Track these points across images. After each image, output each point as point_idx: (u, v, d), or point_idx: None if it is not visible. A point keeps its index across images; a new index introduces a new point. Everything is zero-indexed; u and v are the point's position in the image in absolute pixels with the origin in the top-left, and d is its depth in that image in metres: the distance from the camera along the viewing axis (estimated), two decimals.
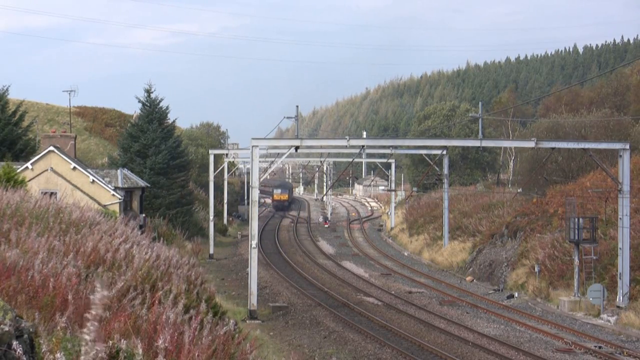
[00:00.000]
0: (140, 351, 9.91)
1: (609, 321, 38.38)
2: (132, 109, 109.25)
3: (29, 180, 40.49)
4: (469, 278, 54.63)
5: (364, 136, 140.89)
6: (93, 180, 46.01)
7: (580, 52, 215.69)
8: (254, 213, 41.27)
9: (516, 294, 46.80)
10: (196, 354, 11.33)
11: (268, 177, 65.19)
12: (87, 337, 8.20)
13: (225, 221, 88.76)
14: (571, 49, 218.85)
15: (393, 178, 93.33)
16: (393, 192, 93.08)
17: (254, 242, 40.75)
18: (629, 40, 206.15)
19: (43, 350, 9.23)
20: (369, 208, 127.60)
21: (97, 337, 8.75)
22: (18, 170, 38.94)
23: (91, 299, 8.02)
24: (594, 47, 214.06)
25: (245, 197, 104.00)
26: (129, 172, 54.44)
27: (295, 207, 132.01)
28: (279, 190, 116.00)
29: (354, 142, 45.03)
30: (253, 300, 39.89)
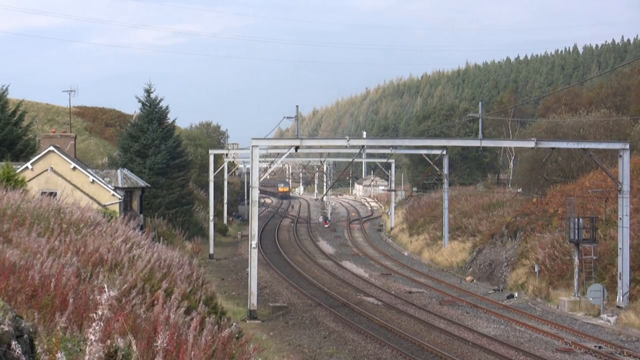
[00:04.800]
0: (135, 348, 9.91)
1: (609, 321, 38.38)
2: (132, 109, 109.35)
3: (29, 180, 40.50)
4: (469, 278, 54.62)
5: (364, 136, 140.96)
6: (93, 180, 46.00)
7: (580, 52, 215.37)
8: (254, 213, 41.27)
9: (516, 294, 46.80)
10: (192, 354, 11.31)
11: (268, 177, 65.22)
12: (92, 337, 8.18)
13: (225, 221, 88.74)
14: (571, 49, 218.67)
15: (393, 178, 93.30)
16: (393, 192, 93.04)
17: (254, 242, 40.76)
18: (629, 40, 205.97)
19: (43, 350, 9.22)
20: (369, 208, 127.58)
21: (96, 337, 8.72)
22: (18, 170, 38.98)
23: (97, 299, 7.98)
24: (594, 47, 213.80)
25: (245, 197, 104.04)
26: (128, 172, 54.44)
27: (295, 205, 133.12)
28: (282, 184, 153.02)
29: (354, 142, 45.03)
30: (253, 300, 39.89)
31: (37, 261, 13.93)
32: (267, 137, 48.36)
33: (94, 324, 8.41)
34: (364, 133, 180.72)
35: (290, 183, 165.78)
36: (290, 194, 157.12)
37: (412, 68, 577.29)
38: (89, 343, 8.45)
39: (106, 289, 8.90)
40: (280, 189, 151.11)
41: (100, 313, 8.63)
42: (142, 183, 53.83)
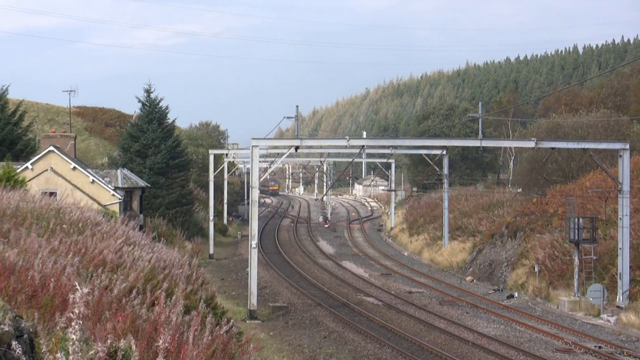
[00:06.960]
0: (134, 347, 9.92)
1: (608, 321, 38.39)
2: (132, 109, 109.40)
3: (29, 180, 40.49)
4: (469, 278, 54.62)
5: (364, 136, 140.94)
6: (93, 180, 46.01)
7: (580, 52, 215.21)
8: (254, 213, 41.27)
9: (516, 294, 46.80)
10: (194, 354, 11.32)
11: (268, 177, 65.28)
12: (73, 336, 8.14)
13: (225, 221, 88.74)
14: (571, 49, 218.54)
15: (393, 178, 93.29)
16: (393, 192, 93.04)
17: (254, 242, 40.76)
18: (629, 40, 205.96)
19: (43, 350, 9.22)
20: (369, 208, 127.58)
21: (97, 337, 8.71)
22: (18, 170, 38.97)
23: (71, 298, 7.93)
24: (594, 47, 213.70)
25: (245, 197, 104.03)
26: (128, 172, 54.44)
27: (295, 205, 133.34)
28: (273, 183, 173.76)
29: (354, 142, 45.03)
30: (253, 300, 39.90)
31: (37, 261, 13.93)
32: (267, 137, 48.37)
33: (73, 323, 8.37)
34: (364, 133, 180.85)
35: (286, 182, 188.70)
36: (280, 192, 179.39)
37: (412, 68, 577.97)
38: (70, 343, 8.42)
39: (78, 286, 8.86)
40: (270, 187, 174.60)
41: (77, 311, 8.58)
42: (142, 183, 53.84)
